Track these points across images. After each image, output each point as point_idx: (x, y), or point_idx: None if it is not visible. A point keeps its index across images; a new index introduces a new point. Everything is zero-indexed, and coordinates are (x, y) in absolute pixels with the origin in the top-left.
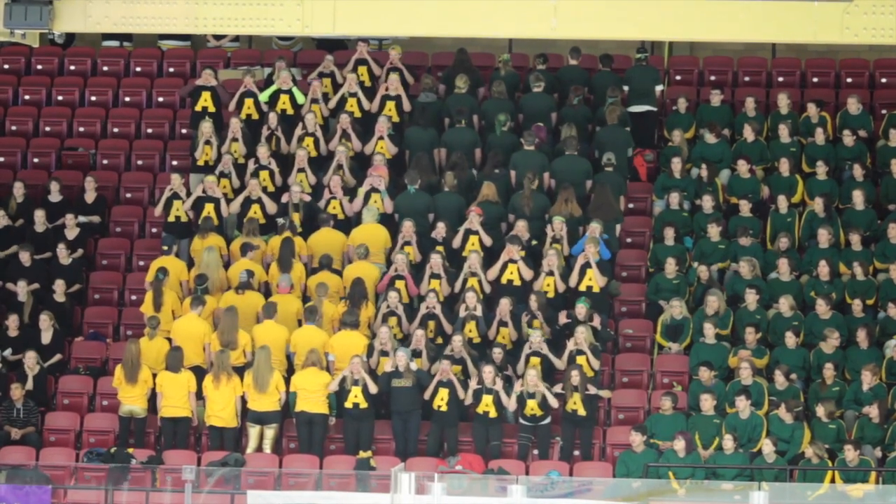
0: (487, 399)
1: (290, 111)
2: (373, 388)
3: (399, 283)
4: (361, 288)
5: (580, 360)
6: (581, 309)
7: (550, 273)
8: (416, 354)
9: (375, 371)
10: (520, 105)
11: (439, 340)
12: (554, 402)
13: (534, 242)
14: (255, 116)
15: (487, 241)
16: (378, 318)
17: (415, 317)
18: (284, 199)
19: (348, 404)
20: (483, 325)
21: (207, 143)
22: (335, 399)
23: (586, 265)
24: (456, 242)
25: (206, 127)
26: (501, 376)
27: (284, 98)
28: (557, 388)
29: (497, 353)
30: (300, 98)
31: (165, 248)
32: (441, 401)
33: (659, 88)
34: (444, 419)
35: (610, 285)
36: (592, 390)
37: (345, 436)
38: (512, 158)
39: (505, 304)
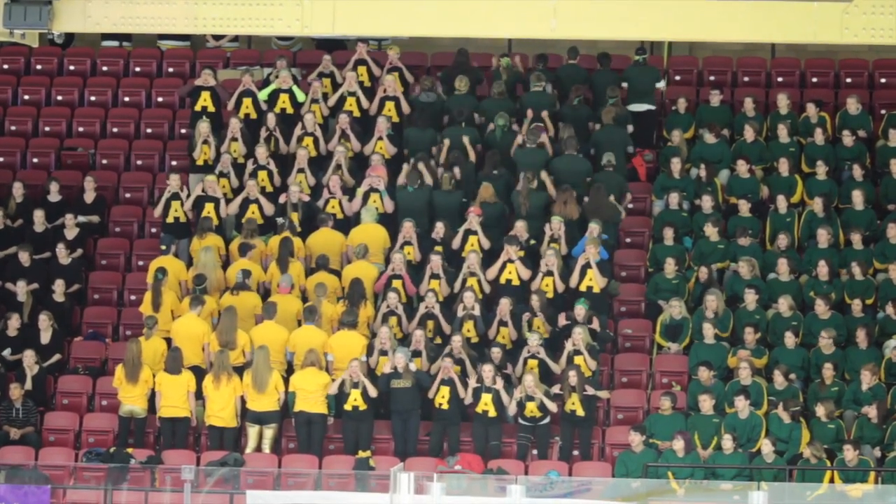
0: (486, 398)
1: (289, 110)
2: (372, 392)
3: (396, 283)
4: (360, 288)
5: (577, 360)
6: (580, 310)
7: (549, 273)
8: (415, 354)
9: (375, 371)
10: (520, 103)
11: (438, 340)
12: (552, 407)
13: (531, 242)
14: (254, 116)
15: (486, 243)
16: (378, 317)
17: (414, 317)
18: (282, 199)
19: (348, 407)
20: (481, 324)
21: (205, 142)
22: (334, 400)
23: (587, 266)
24: (455, 243)
25: (203, 127)
26: (502, 375)
27: (284, 97)
28: (556, 389)
29: (496, 353)
30: (300, 97)
31: (164, 247)
32: (442, 399)
33: (660, 85)
34: (446, 417)
35: (609, 285)
36: (591, 391)
37: (344, 436)
38: (514, 156)
39: (505, 304)
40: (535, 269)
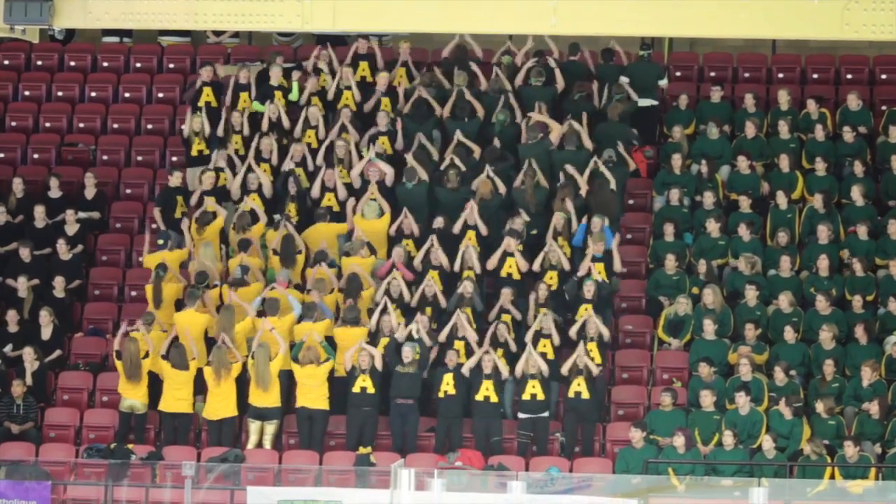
0: (488, 384)
1: (284, 106)
2: (379, 363)
3: (397, 273)
4: (358, 283)
5: (590, 346)
6: (591, 286)
7: (554, 267)
8: (418, 341)
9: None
10: (519, 97)
11: (434, 325)
12: (543, 366)
13: (533, 232)
14: (252, 109)
15: (484, 230)
16: (378, 309)
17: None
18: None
19: (356, 389)
20: (479, 301)
21: (197, 134)
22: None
23: (591, 259)
24: (456, 229)
25: (197, 121)
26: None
27: (278, 94)
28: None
29: (501, 328)
30: (294, 96)
31: (161, 242)
32: (447, 385)
33: (663, 83)
34: (450, 407)
35: (610, 282)
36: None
37: (348, 430)
38: (517, 150)
39: (507, 294)
40: (538, 260)
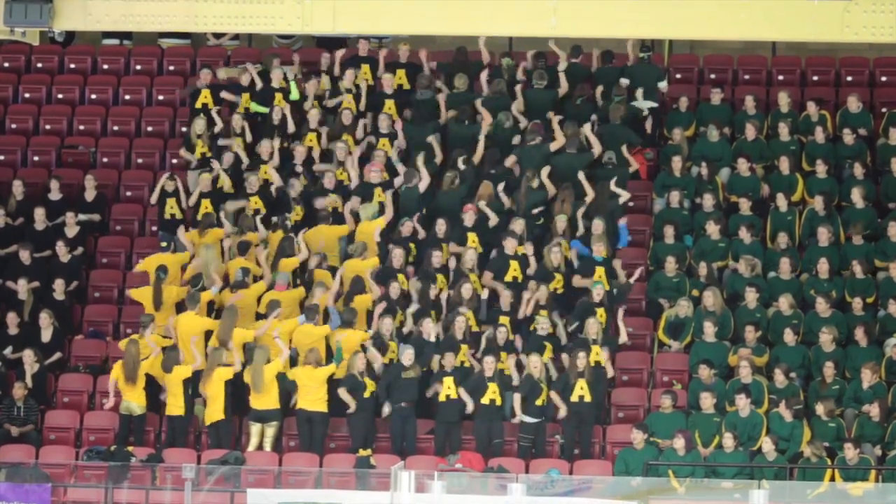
0: (493, 387)
1: (285, 109)
2: (378, 367)
3: (399, 276)
4: (360, 286)
5: (593, 348)
6: (599, 290)
7: (557, 270)
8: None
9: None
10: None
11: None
12: (558, 401)
13: (540, 221)
14: (252, 111)
15: (494, 220)
16: (377, 311)
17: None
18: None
19: (366, 395)
20: (483, 310)
21: (199, 137)
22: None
23: (592, 261)
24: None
25: (199, 124)
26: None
27: (278, 97)
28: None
29: (501, 332)
30: (294, 95)
31: (164, 244)
32: (448, 389)
33: (662, 85)
34: (450, 411)
35: (611, 283)
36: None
37: (352, 432)
38: (515, 153)
39: (507, 297)
40: (537, 264)
